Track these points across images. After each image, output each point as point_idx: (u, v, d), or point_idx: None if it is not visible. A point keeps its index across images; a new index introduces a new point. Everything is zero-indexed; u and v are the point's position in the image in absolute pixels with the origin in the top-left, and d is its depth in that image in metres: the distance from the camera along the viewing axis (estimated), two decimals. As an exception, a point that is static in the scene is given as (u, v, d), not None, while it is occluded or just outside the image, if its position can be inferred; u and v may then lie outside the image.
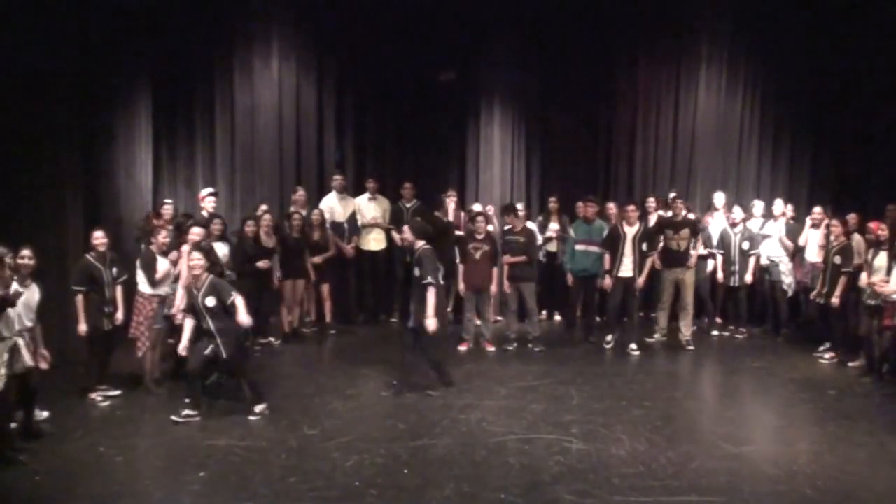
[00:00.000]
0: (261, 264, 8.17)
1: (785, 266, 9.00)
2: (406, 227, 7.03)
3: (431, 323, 6.60)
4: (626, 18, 10.59)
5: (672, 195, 9.73)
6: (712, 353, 8.65)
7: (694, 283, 8.79)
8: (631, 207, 8.47)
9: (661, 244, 8.75)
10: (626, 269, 8.36)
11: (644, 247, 8.35)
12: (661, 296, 8.84)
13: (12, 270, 5.29)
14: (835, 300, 7.86)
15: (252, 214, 8.56)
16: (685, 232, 8.52)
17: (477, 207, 9.34)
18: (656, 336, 8.90)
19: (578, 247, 8.77)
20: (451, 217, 9.28)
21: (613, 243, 8.41)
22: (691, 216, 9.07)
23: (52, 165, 7.92)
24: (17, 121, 7.49)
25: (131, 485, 4.86)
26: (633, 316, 8.61)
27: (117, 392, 6.68)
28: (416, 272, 6.74)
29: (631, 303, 8.48)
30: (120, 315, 6.75)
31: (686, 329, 8.69)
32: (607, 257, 8.48)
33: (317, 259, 8.91)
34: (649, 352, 8.47)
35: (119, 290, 6.75)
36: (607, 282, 8.51)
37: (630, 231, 8.35)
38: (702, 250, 9.04)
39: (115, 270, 6.72)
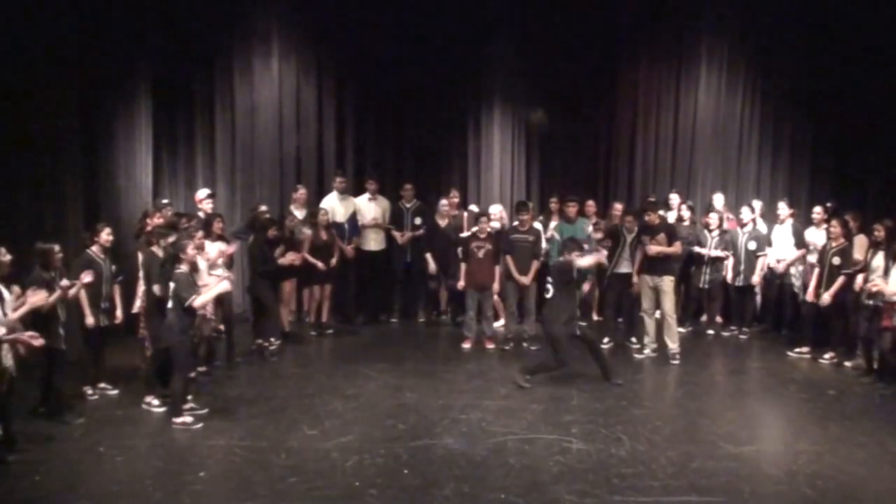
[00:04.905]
0: (290, 256, 8.23)
1: (794, 269, 8.92)
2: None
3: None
4: (626, 18, 10.59)
5: (674, 197, 9.76)
6: (713, 352, 8.65)
7: (694, 285, 8.73)
8: (629, 218, 8.48)
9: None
10: (625, 267, 8.39)
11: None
12: (641, 302, 8.29)
13: None
14: (826, 298, 7.82)
15: (270, 216, 8.53)
16: (661, 237, 8.13)
17: (494, 209, 9.29)
18: (646, 352, 8.20)
19: None
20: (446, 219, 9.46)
21: (615, 242, 8.47)
22: (705, 216, 9.17)
23: (52, 165, 7.93)
24: (17, 121, 7.49)
25: (131, 485, 4.87)
26: (632, 312, 8.63)
27: (115, 391, 6.69)
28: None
29: (627, 300, 8.54)
30: (119, 313, 6.74)
31: (671, 342, 8.00)
32: (604, 252, 8.23)
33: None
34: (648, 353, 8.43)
35: (117, 289, 6.73)
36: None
37: (629, 236, 8.41)
38: (719, 252, 9.07)
39: (113, 268, 6.70)
